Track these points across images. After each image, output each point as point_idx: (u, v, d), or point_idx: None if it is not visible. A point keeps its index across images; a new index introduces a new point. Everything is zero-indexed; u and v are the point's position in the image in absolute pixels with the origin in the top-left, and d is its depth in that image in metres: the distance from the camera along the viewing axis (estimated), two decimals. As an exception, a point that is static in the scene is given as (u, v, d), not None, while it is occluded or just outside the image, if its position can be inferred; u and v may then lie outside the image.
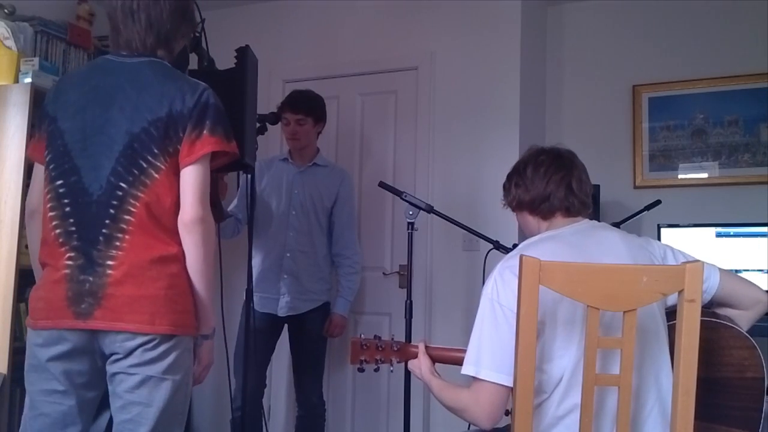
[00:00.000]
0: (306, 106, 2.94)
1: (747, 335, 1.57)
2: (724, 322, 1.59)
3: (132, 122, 1.58)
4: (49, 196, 1.61)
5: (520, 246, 1.61)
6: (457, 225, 2.50)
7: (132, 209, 1.56)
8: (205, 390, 3.60)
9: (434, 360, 1.74)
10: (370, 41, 3.55)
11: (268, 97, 3.48)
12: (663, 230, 3.13)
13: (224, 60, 2.28)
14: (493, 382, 1.44)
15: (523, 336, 1.32)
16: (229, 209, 2.90)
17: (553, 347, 1.43)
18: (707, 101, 3.33)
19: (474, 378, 1.47)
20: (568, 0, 3.62)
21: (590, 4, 3.60)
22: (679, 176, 3.37)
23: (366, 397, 3.40)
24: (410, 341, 2.21)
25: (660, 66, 3.43)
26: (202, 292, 1.63)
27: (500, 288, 1.47)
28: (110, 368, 1.57)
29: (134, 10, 1.65)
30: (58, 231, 1.58)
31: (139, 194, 1.56)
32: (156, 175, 1.58)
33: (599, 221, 1.70)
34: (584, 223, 1.63)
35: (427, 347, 1.76)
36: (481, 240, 2.53)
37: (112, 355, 1.56)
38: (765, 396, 1.54)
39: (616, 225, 2.31)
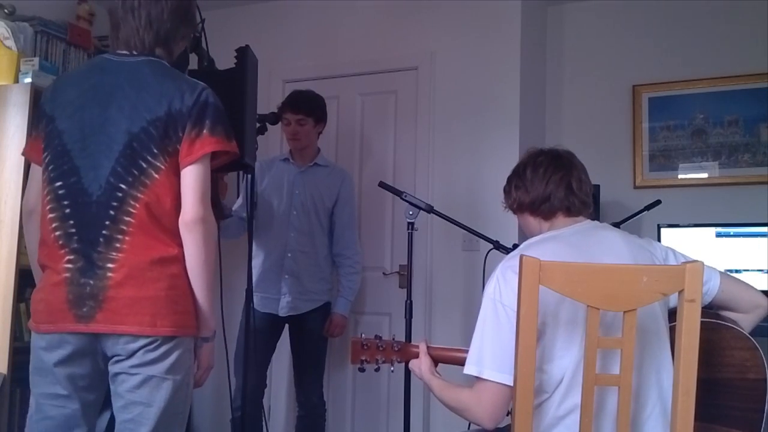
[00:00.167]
0: (307, 107, 2.94)
1: (749, 336, 1.57)
2: (726, 323, 1.59)
3: (131, 122, 1.57)
4: (48, 197, 1.60)
5: (521, 246, 1.61)
6: (457, 225, 2.50)
7: (132, 210, 1.55)
8: (205, 390, 3.59)
9: (435, 360, 1.74)
10: (370, 41, 3.55)
11: (268, 97, 3.48)
12: (663, 230, 3.13)
13: (224, 60, 2.28)
14: (496, 382, 1.43)
15: (523, 336, 1.32)
16: (233, 209, 2.90)
17: (554, 347, 1.43)
18: (707, 101, 3.33)
19: (476, 378, 1.47)
20: (568, 0, 3.62)
21: (590, 4, 3.60)
22: (679, 176, 3.37)
23: (366, 397, 3.40)
24: (410, 341, 2.21)
25: (660, 66, 3.43)
26: (201, 294, 1.62)
27: (502, 288, 1.47)
28: (112, 368, 1.57)
29: (135, 7, 1.65)
30: (58, 233, 1.57)
31: (139, 195, 1.56)
32: (156, 175, 1.57)
33: (599, 221, 1.70)
34: (585, 223, 1.63)
35: (428, 347, 1.76)
36: (481, 240, 2.53)
37: (114, 356, 1.56)
38: (766, 397, 1.53)
39: (616, 225, 2.31)
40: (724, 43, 3.32)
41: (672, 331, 1.46)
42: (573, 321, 1.42)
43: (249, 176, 2.63)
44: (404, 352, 1.84)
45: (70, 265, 1.55)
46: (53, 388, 1.56)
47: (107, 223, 1.55)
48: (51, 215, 1.59)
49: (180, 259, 1.60)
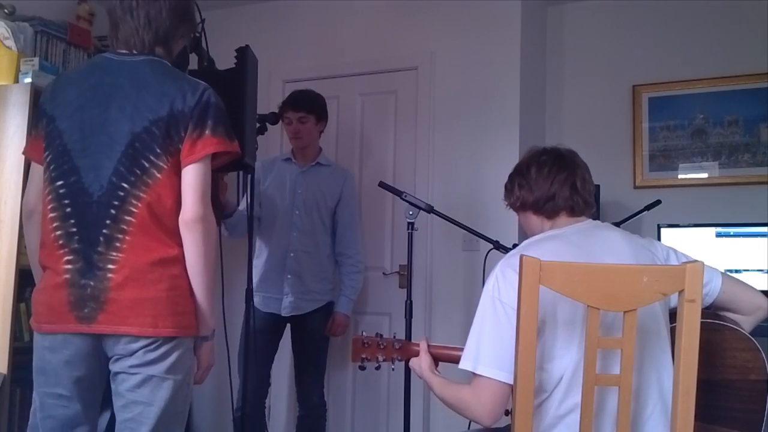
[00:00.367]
0: (308, 104, 2.94)
1: (750, 337, 1.57)
2: (728, 324, 1.59)
3: (133, 122, 1.57)
4: (50, 197, 1.60)
5: (522, 244, 1.61)
6: (457, 225, 2.50)
7: (133, 209, 1.55)
8: (205, 390, 3.60)
9: (436, 358, 1.74)
10: (370, 41, 3.54)
11: (268, 97, 3.48)
12: (663, 230, 3.13)
13: (224, 60, 2.28)
14: (493, 379, 1.44)
15: (523, 336, 1.32)
16: (239, 208, 2.89)
17: (554, 346, 1.43)
18: (707, 101, 3.33)
19: (474, 375, 1.47)
20: (568, 0, 3.62)
21: (590, 4, 3.60)
22: (679, 176, 3.37)
23: (366, 396, 3.40)
24: (410, 341, 2.21)
25: (660, 66, 3.43)
26: (200, 293, 1.62)
27: (501, 285, 1.47)
28: (112, 368, 1.57)
29: (133, 7, 1.65)
30: (58, 232, 1.57)
31: (141, 194, 1.56)
32: (158, 175, 1.57)
33: (600, 221, 1.70)
34: (587, 223, 1.63)
35: (428, 346, 1.76)
36: (481, 240, 2.52)
37: (114, 355, 1.56)
38: (767, 398, 1.53)
39: (616, 225, 2.30)
40: (724, 43, 3.32)
41: (673, 331, 1.46)
42: (572, 320, 1.42)
43: (249, 176, 2.63)
44: (405, 350, 1.84)
45: (69, 266, 1.55)
46: (56, 389, 1.57)
47: (108, 222, 1.55)
48: (52, 215, 1.59)
49: (180, 259, 1.60)
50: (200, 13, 2.03)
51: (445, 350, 1.75)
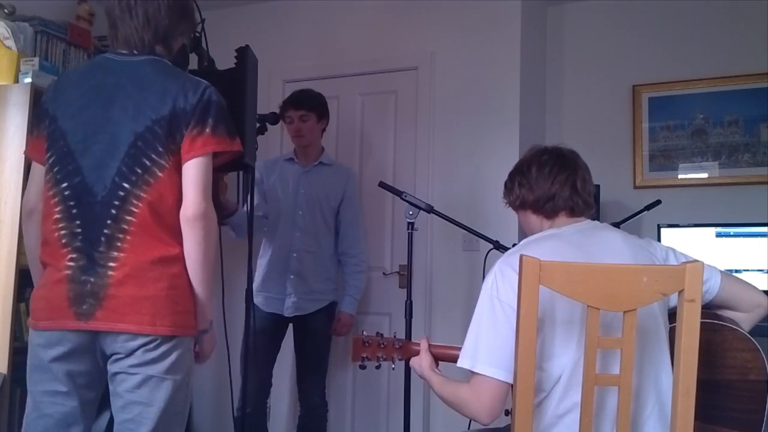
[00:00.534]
0: (308, 103, 2.95)
1: (750, 337, 1.57)
2: (728, 324, 1.58)
3: (136, 121, 1.58)
4: (55, 199, 1.60)
5: (521, 243, 1.61)
6: (457, 225, 2.50)
7: (134, 209, 1.56)
8: (205, 390, 3.60)
9: (436, 358, 1.74)
10: (370, 41, 3.55)
11: (268, 97, 3.48)
12: (663, 230, 3.13)
13: (224, 60, 2.28)
14: (491, 377, 1.44)
15: (523, 335, 1.32)
16: (244, 209, 2.88)
17: (552, 345, 1.43)
18: (707, 101, 3.33)
19: (473, 373, 1.47)
20: (568, 0, 3.62)
21: (590, 4, 3.60)
22: (679, 176, 3.37)
23: (366, 395, 3.40)
24: (411, 340, 2.21)
25: (660, 66, 3.43)
26: (200, 289, 1.62)
27: (500, 284, 1.48)
28: (111, 368, 1.57)
29: (132, 6, 1.65)
30: (62, 232, 1.57)
31: (142, 194, 1.56)
32: (160, 174, 1.57)
33: (600, 221, 1.70)
34: (586, 223, 1.63)
35: (429, 345, 1.76)
36: (481, 240, 2.53)
37: (113, 355, 1.56)
38: (767, 399, 1.53)
39: (616, 225, 2.31)
40: (724, 43, 3.32)
41: (672, 331, 1.46)
42: (570, 319, 1.42)
43: (250, 176, 2.63)
44: (405, 349, 1.84)
45: (71, 263, 1.55)
46: (52, 385, 1.56)
47: (109, 222, 1.55)
48: (58, 215, 1.59)
49: (181, 258, 1.60)
50: (200, 13, 2.03)
51: (446, 350, 1.75)
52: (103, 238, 1.55)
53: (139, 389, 1.54)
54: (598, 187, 3.03)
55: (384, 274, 3.41)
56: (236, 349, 2.86)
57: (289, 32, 3.72)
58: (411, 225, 2.45)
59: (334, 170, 3.06)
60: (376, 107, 3.55)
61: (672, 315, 1.49)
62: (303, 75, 3.61)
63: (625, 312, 1.33)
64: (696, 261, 1.34)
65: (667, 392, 1.42)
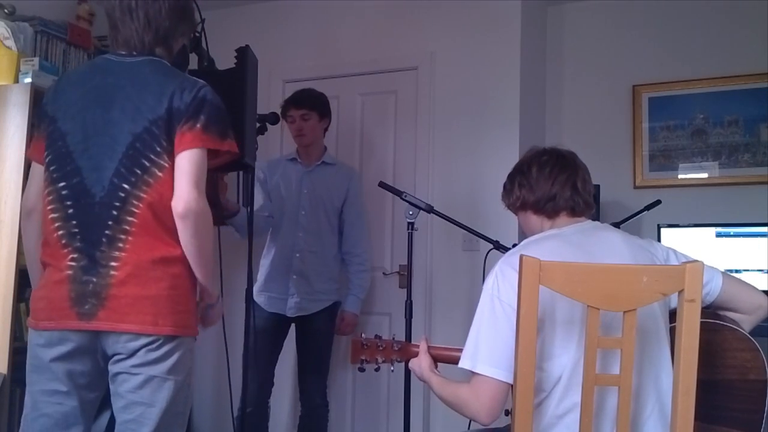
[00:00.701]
0: (309, 101, 2.96)
1: (750, 337, 1.57)
2: (728, 324, 1.58)
3: (134, 122, 1.58)
4: (51, 197, 1.61)
5: (522, 243, 1.61)
6: (457, 225, 2.50)
7: (135, 210, 1.56)
8: (205, 390, 3.60)
9: (435, 359, 1.74)
10: (370, 41, 3.54)
11: (268, 97, 3.48)
12: (663, 230, 3.13)
13: (224, 60, 2.28)
14: (491, 377, 1.44)
15: (523, 336, 1.32)
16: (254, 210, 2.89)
17: (552, 345, 1.43)
18: (707, 101, 3.33)
19: (473, 374, 1.47)
20: (568, 0, 3.62)
21: (590, 4, 3.60)
22: (679, 176, 3.37)
23: (366, 396, 3.40)
24: (410, 341, 2.22)
25: (660, 66, 3.42)
26: (200, 275, 1.64)
27: (501, 284, 1.48)
28: (112, 368, 1.57)
29: (133, 8, 1.65)
30: (60, 233, 1.58)
31: (142, 195, 1.56)
32: (159, 174, 1.57)
33: (600, 221, 1.70)
34: (586, 223, 1.63)
35: (428, 346, 1.76)
36: (481, 240, 2.53)
37: (114, 355, 1.56)
38: (767, 398, 1.53)
39: (616, 225, 2.31)
40: (724, 43, 3.32)
41: (672, 331, 1.46)
42: (570, 319, 1.42)
43: (250, 176, 2.63)
44: (404, 351, 1.84)
45: (72, 264, 1.56)
46: (52, 385, 1.56)
47: (110, 223, 1.55)
48: (53, 215, 1.59)
49: (182, 259, 1.60)
50: (200, 13, 2.03)
51: (445, 351, 1.75)
52: (104, 239, 1.55)
53: (141, 389, 1.54)
54: (598, 187, 3.02)
55: (384, 274, 3.40)
56: (236, 349, 2.85)
57: (289, 32, 3.72)
58: (411, 225, 2.45)
59: (337, 169, 3.07)
60: (376, 107, 3.55)
61: (672, 315, 1.49)
62: (303, 75, 3.61)
63: (625, 312, 1.33)
64: (696, 261, 1.34)
65: (667, 392, 1.42)
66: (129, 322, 1.52)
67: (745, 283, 1.68)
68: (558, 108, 3.63)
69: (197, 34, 2.20)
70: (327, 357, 3.01)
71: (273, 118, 2.84)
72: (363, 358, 1.83)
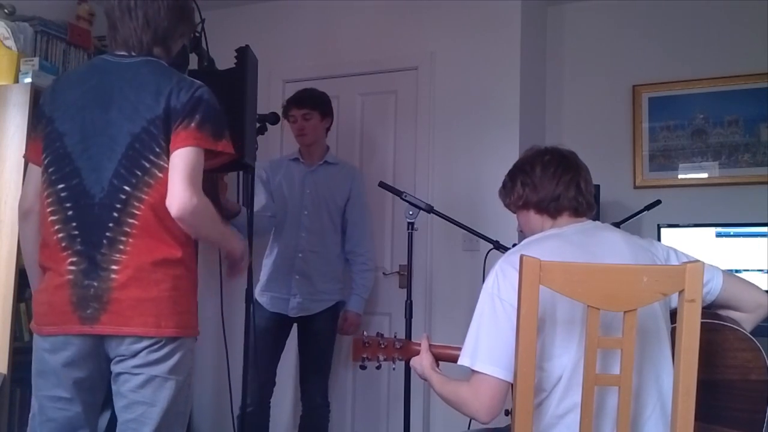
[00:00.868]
0: (311, 101, 2.96)
1: (751, 337, 1.57)
2: (729, 324, 1.58)
3: (132, 123, 1.57)
4: (50, 199, 1.60)
5: (522, 242, 1.61)
6: (457, 225, 2.50)
7: (136, 212, 1.55)
8: (205, 390, 3.60)
9: (437, 358, 1.74)
10: (370, 41, 3.54)
11: (268, 97, 3.48)
12: (663, 230, 3.13)
13: (224, 60, 2.28)
14: (491, 376, 1.44)
15: (523, 335, 1.32)
16: (255, 210, 2.88)
17: (553, 345, 1.43)
18: (707, 101, 3.33)
19: (473, 372, 1.47)
20: (568, 0, 3.62)
21: (590, 4, 3.60)
22: (679, 176, 3.37)
23: (367, 395, 3.40)
24: (411, 340, 2.22)
25: (660, 66, 3.42)
26: (218, 246, 1.75)
27: (501, 282, 1.47)
28: (114, 368, 1.57)
29: (132, 7, 1.65)
30: (60, 235, 1.57)
31: (144, 196, 1.56)
32: (159, 174, 1.57)
33: (600, 221, 1.70)
34: (587, 224, 1.63)
35: (430, 345, 1.76)
36: (481, 240, 2.53)
37: (116, 356, 1.56)
38: None
39: (616, 225, 2.31)
40: (724, 43, 3.32)
41: (673, 331, 1.46)
42: (571, 319, 1.42)
43: (250, 176, 2.63)
44: (406, 349, 1.84)
45: (73, 267, 1.55)
46: (56, 391, 1.57)
47: (110, 225, 1.55)
48: (53, 217, 1.59)
49: (184, 261, 1.60)
50: (200, 13, 2.03)
51: (446, 349, 1.75)
52: (105, 241, 1.55)
53: (142, 389, 1.54)
54: (598, 187, 3.02)
55: (384, 274, 3.40)
56: (237, 349, 2.85)
57: (289, 32, 3.72)
58: (411, 225, 2.45)
59: (340, 169, 3.06)
60: (376, 107, 3.55)
61: (673, 315, 1.49)
62: (303, 75, 3.61)
63: (625, 312, 1.33)
64: (696, 261, 1.34)
65: (668, 392, 1.42)
66: (132, 325, 1.52)
67: (746, 281, 1.68)
68: (558, 108, 3.63)
69: (197, 34, 2.20)
70: (329, 357, 3.01)
71: (273, 118, 2.84)
72: (365, 356, 1.83)
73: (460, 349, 1.54)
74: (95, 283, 1.53)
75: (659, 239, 3.08)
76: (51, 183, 1.61)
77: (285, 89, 3.61)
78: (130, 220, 1.55)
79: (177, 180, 1.54)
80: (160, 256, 1.56)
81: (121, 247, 1.54)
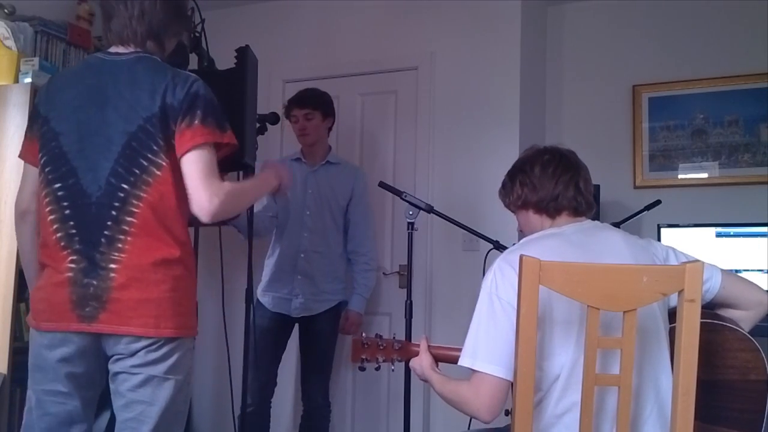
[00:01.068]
0: (313, 101, 2.97)
1: (750, 338, 1.57)
2: (729, 325, 1.58)
3: (128, 121, 1.57)
4: (47, 199, 1.60)
5: (521, 242, 1.61)
6: (457, 225, 2.50)
7: (135, 210, 1.55)
8: (205, 390, 3.60)
9: (436, 359, 1.74)
10: (370, 41, 3.55)
11: (268, 97, 3.48)
12: (663, 230, 3.13)
13: (224, 60, 2.28)
14: (491, 375, 1.44)
15: (522, 335, 1.32)
16: (255, 210, 2.88)
17: (551, 344, 1.43)
18: (707, 101, 3.33)
19: (473, 372, 1.47)
20: (568, 0, 3.62)
21: (590, 4, 3.60)
22: (679, 176, 3.37)
23: (367, 395, 3.40)
24: (410, 341, 2.22)
25: (660, 66, 3.42)
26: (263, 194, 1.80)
27: (499, 281, 1.47)
28: (112, 367, 1.57)
29: None
30: (59, 234, 1.57)
31: (142, 194, 1.55)
32: (158, 173, 1.57)
33: (600, 221, 1.70)
34: (587, 223, 1.63)
35: (429, 345, 1.76)
36: (481, 240, 2.53)
37: (114, 355, 1.56)
38: (767, 399, 1.53)
39: (616, 225, 2.31)
40: (724, 43, 3.32)
41: (672, 331, 1.46)
42: (568, 318, 1.42)
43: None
44: (405, 350, 1.84)
45: (72, 266, 1.55)
46: (54, 386, 1.57)
47: (109, 223, 1.55)
48: (51, 217, 1.59)
49: (183, 260, 1.60)
50: (200, 13, 2.03)
51: (444, 350, 1.75)
52: (103, 240, 1.54)
53: (141, 388, 1.54)
54: (598, 187, 3.03)
55: (384, 274, 3.40)
56: (237, 349, 2.85)
57: (289, 32, 3.72)
58: (411, 225, 2.44)
59: (342, 169, 3.06)
60: (376, 107, 3.55)
61: (672, 315, 1.49)
62: (303, 75, 3.61)
63: (625, 312, 1.33)
64: (696, 261, 1.34)
65: (667, 392, 1.42)
66: (131, 324, 1.52)
67: (745, 279, 1.68)
68: (558, 108, 3.63)
69: (197, 34, 2.20)
70: (330, 357, 3.01)
71: (273, 118, 2.84)
72: (364, 357, 1.83)
73: (458, 349, 1.54)
74: (94, 282, 1.53)
75: (659, 239, 3.08)
76: (48, 183, 1.60)
77: (285, 89, 3.61)
78: (129, 219, 1.55)
79: (195, 188, 1.55)
80: (159, 256, 1.56)
81: (120, 245, 1.54)
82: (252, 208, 2.64)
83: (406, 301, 2.47)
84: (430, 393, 3.15)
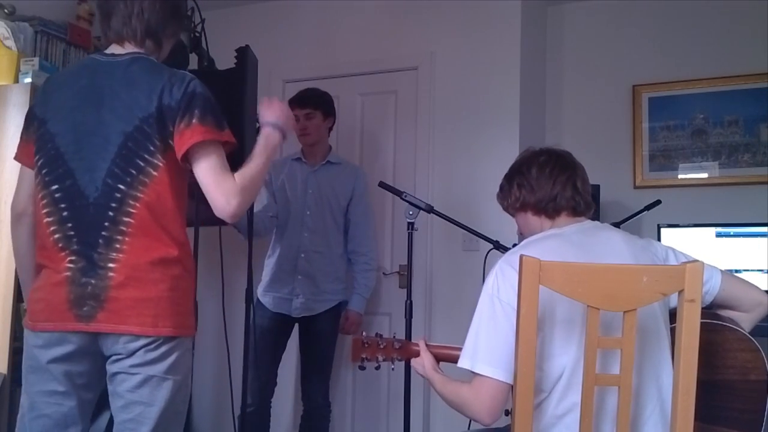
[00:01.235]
0: (313, 101, 2.97)
1: (751, 338, 1.57)
2: (729, 325, 1.58)
3: (125, 122, 1.57)
4: (44, 201, 1.59)
5: (522, 243, 1.61)
6: (457, 225, 2.50)
7: (132, 210, 1.55)
8: (205, 390, 3.60)
9: (436, 358, 1.74)
10: (370, 41, 3.55)
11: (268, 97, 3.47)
12: (663, 230, 3.13)
13: (224, 60, 2.28)
14: (491, 377, 1.44)
15: (523, 336, 1.32)
16: (255, 210, 2.88)
17: (552, 345, 1.43)
18: (707, 101, 3.33)
19: (474, 374, 1.47)
20: (568, 0, 3.62)
21: (590, 4, 3.60)
22: (679, 176, 3.37)
23: (367, 395, 3.40)
24: (410, 341, 2.22)
25: (660, 66, 3.42)
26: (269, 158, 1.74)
27: (500, 283, 1.47)
28: (111, 368, 1.57)
29: None
30: (57, 236, 1.57)
31: (139, 195, 1.55)
32: (155, 173, 1.56)
33: (600, 221, 1.70)
34: (587, 223, 1.63)
35: (427, 345, 1.76)
36: (481, 240, 2.53)
37: (112, 355, 1.56)
38: (767, 399, 1.53)
39: (616, 225, 2.31)
40: (724, 43, 3.32)
41: (673, 331, 1.46)
42: (570, 319, 1.42)
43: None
44: (405, 350, 1.84)
45: (71, 266, 1.55)
46: (50, 385, 1.56)
47: (106, 224, 1.55)
48: (48, 219, 1.58)
49: (181, 260, 1.60)
50: (200, 13, 2.03)
51: (444, 350, 1.75)
52: (101, 240, 1.54)
53: (139, 389, 1.54)
54: (598, 187, 3.03)
55: (384, 274, 3.40)
56: (237, 349, 2.86)
57: (289, 32, 3.72)
58: (411, 225, 2.45)
59: (342, 168, 3.07)
60: (376, 107, 3.55)
61: (672, 315, 1.49)
62: (303, 75, 3.61)
63: (625, 312, 1.33)
64: (696, 261, 1.34)
65: (668, 392, 1.42)
66: (129, 323, 1.52)
67: (745, 280, 1.68)
68: (558, 108, 3.63)
69: (197, 34, 2.20)
70: (330, 357, 3.01)
71: (273, 118, 2.84)
72: (364, 356, 1.83)
73: (458, 349, 1.54)
74: (93, 281, 1.53)
75: (659, 239, 3.08)
76: (45, 184, 1.60)
77: (285, 89, 3.61)
78: (126, 219, 1.55)
79: (210, 193, 1.57)
80: (157, 255, 1.55)
81: (118, 246, 1.54)
82: (252, 208, 2.64)
83: (406, 301, 2.47)
84: (430, 393, 3.15)
